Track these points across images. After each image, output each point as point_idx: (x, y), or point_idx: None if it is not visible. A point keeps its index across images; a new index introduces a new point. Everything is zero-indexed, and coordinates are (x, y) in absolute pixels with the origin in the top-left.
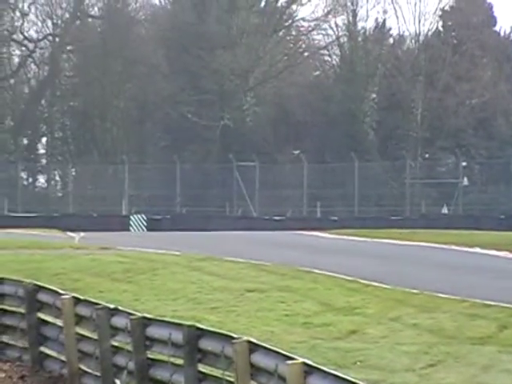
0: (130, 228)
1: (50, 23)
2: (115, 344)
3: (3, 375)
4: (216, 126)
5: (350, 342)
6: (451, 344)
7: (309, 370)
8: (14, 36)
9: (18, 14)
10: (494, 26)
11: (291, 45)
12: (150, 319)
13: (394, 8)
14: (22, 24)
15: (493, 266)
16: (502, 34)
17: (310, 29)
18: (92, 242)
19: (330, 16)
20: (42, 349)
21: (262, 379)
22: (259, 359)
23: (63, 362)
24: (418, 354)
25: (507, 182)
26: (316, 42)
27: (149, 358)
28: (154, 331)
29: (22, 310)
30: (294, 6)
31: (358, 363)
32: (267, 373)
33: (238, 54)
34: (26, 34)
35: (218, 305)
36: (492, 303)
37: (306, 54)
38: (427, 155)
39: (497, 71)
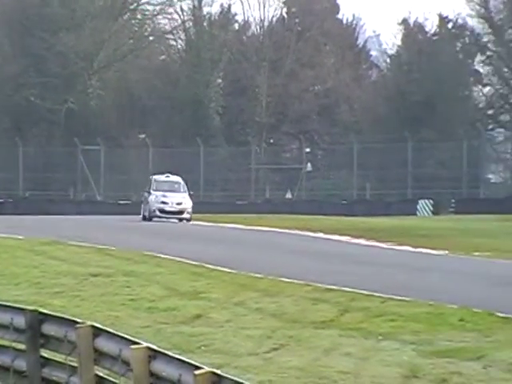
0: None
1: None
2: None
3: None
4: (60, 110)
5: (195, 326)
6: (294, 328)
7: (153, 354)
8: None
9: None
10: (337, 13)
11: (136, 28)
12: None
13: None
14: None
15: (335, 251)
16: (344, 21)
17: (155, 13)
18: None
19: (175, 0)
20: None
21: (106, 364)
22: (103, 344)
23: None
24: (262, 338)
25: (349, 168)
26: (161, 26)
27: None
28: None
29: None
30: None
31: (203, 347)
32: (111, 358)
33: (82, 36)
34: None
35: (61, 289)
36: (334, 287)
37: (151, 38)
38: (272, 140)
39: (340, 58)
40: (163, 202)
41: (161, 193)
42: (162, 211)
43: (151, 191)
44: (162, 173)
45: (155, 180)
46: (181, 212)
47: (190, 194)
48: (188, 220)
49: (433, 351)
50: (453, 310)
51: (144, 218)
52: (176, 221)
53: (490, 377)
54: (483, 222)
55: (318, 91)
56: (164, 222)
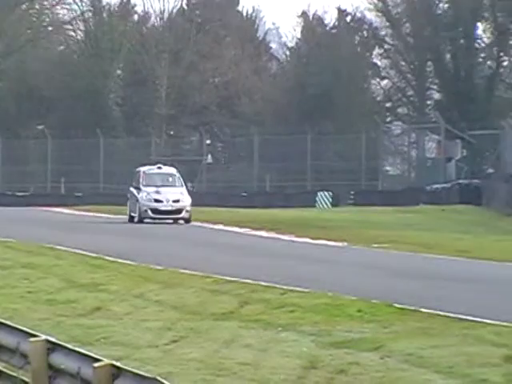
0: None
1: None
2: None
3: None
4: None
5: (94, 318)
6: (194, 320)
7: (52, 347)
8: None
9: None
10: (237, 5)
11: (34, 19)
12: None
13: None
14: None
15: (236, 243)
16: (244, 14)
17: (53, 3)
18: None
19: None
20: None
21: (4, 357)
22: (1, 337)
23: None
24: (162, 330)
25: (250, 160)
26: (60, 16)
27: None
28: None
29: None
30: None
31: (102, 340)
32: (9, 350)
33: None
34: None
35: None
36: (234, 279)
37: (50, 28)
38: (172, 132)
39: (240, 51)
40: (157, 200)
41: (153, 188)
42: (156, 211)
43: (141, 187)
44: (151, 163)
45: (144, 173)
46: (179, 211)
47: (187, 189)
48: (187, 220)
49: (331, 342)
50: (351, 301)
51: (131, 219)
52: (171, 221)
53: (388, 367)
54: (381, 213)
55: (218, 83)
56: (156, 223)
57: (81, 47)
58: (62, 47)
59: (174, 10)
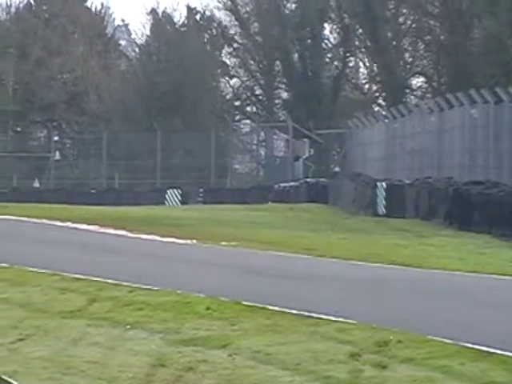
0: None
1: None
2: None
3: None
4: None
5: None
6: (41, 318)
7: None
8: None
9: None
10: (86, 1)
11: None
12: None
13: None
14: None
15: (84, 240)
16: (93, 10)
17: None
18: None
19: None
20: None
21: None
22: None
23: None
24: (7, 328)
25: (98, 157)
26: None
27: None
28: None
29: None
30: None
31: None
32: None
33: None
34: None
35: None
36: (81, 277)
37: None
38: (19, 128)
39: (88, 47)
40: None
41: None
42: None
43: None
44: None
45: None
46: None
47: None
48: None
49: (180, 340)
50: (200, 298)
51: None
52: None
53: (235, 364)
54: (230, 211)
55: (67, 79)
56: None
57: None
58: None
59: (21, 5)
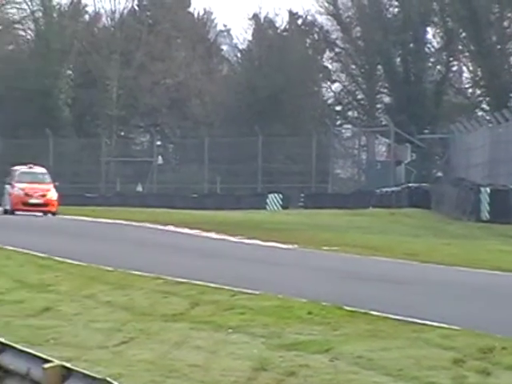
0: None
1: None
2: None
3: None
4: None
5: (43, 319)
6: (144, 321)
7: (1, 347)
8: None
9: None
10: (188, 7)
11: None
12: None
13: None
14: None
15: (186, 244)
16: (195, 15)
17: (3, 2)
18: None
19: None
20: None
21: None
22: None
23: None
24: (112, 331)
25: (200, 162)
26: (10, 15)
27: None
28: None
29: None
30: None
31: (52, 341)
32: None
33: None
34: None
35: None
36: (184, 280)
37: None
38: (122, 133)
39: (190, 52)
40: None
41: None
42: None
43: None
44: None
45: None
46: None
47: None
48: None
49: (282, 344)
50: (301, 303)
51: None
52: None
53: (337, 369)
54: (331, 216)
55: (169, 84)
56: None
57: (30, 47)
58: (11, 47)
59: (125, 11)
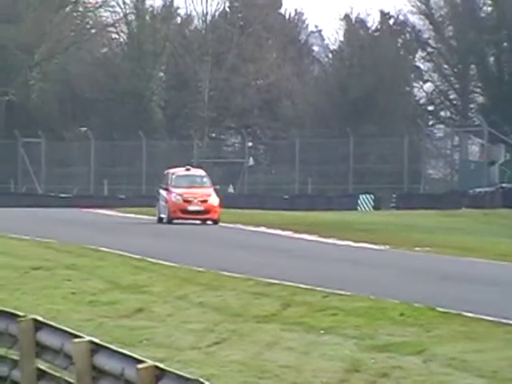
0: None
1: None
2: None
3: None
4: (0, 102)
5: (137, 320)
6: (236, 322)
7: (95, 348)
8: None
9: None
10: (280, 8)
11: (78, 21)
12: None
13: None
14: None
15: (278, 245)
16: (287, 16)
17: (97, 5)
18: None
19: None
20: None
21: (48, 357)
22: (45, 337)
23: None
24: (204, 331)
25: (291, 163)
26: (103, 18)
27: None
28: None
29: None
30: None
31: (145, 341)
32: (53, 351)
33: (23, 28)
34: None
35: (2, 282)
36: (276, 282)
37: (93, 30)
38: (214, 134)
39: (281, 53)
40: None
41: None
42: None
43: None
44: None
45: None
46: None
47: (215, 190)
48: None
49: (374, 345)
50: (394, 304)
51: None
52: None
53: (430, 371)
54: (423, 217)
55: (260, 86)
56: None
57: (123, 50)
58: (105, 49)
59: (217, 13)
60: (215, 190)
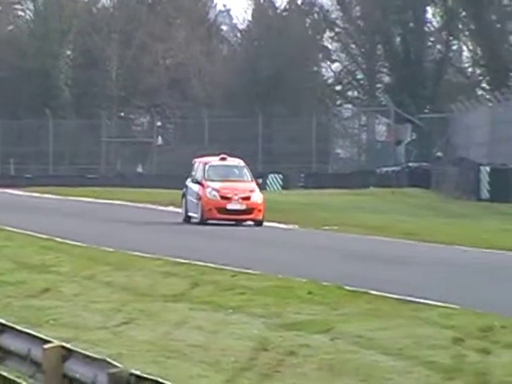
0: None
1: None
2: None
3: None
4: None
5: (44, 300)
6: (144, 301)
7: (1, 328)
8: None
9: None
10: None
11: None
12: None
13: None
14: None
15: (187, 225)
16: None
17: None
18: None
19: None
20: None
21: None
22: None
23: None
24: (112, 311)
25: (200, 142)
26: None
27: None
28: None
29: None
30: None
31: (52, 321)
32: None
33: None
34: None
35: None
36: (185, 261)
37: None
38: (122, 114)
39: (190, 32)
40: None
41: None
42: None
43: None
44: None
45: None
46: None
47: (258, 184)
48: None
49: (282, 324)
50: (301, 283)
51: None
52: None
53: (337, 349)
54: (331, 196)
55: (169, 65)
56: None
57: (30, 27)
58: (10, 27)
59: None
60: (258, 184)
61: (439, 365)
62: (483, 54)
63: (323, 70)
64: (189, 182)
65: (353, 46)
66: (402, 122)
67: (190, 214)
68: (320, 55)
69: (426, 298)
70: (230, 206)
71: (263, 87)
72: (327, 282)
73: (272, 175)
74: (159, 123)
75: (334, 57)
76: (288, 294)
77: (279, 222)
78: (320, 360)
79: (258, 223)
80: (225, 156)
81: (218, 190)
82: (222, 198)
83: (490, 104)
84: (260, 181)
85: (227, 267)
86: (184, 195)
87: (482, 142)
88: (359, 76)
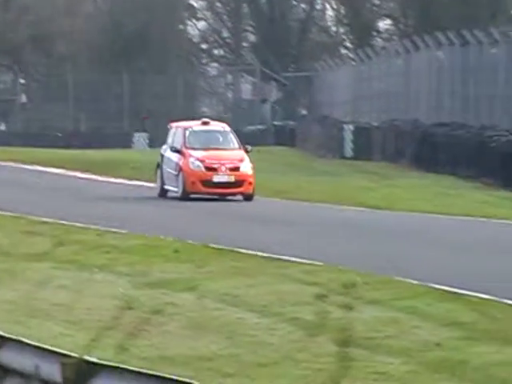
0: None
1: None
2: None
3: None
4: None
5: None
6: (7, 261)
7: None
8: None
9: None
10: None
11: None
12: None
13: None
14: None
15: (51, 184)
16: None
17: None
18: None
19: None
20: None
21: None
22: None
23: None
24: None
25: (64, 100)
26: None
27: None
28: None
29: None
30: None
31: None
32: None
33: None
34: None
35: None
36: (49, 220)
37: None
38: None
39: None
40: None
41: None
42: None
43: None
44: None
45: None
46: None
47: (247, 152)
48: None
49: (148, 283)
50: (168, 242)
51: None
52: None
53: (203, 306)
54: None
55: (31, 21)
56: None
57: None
58: None
59: None
60: (246, 151)
61: (303, 321)
62: (346, 13)
63: (189, 28)
64: (164, 151)
65: (218, 4)
66: (268, 81)
67: (167, 187)
68: (186, 13)
69: (291, 256)
70: (216, 179)
71: (128, 44)
72: (194, 241)
73: (138, 134)
74: (22, 81)
75: (199, 15)
76: (154, 252)
77: (144, 181)
78: (186, 318)
79: (248, 197)
80: (207, 120)
81: (202, 160)
82: (207, 169)
83: (353, 63)
84: (249, 147)
85: (92, 226)
86: (159, 165)
87: (345, 100)
88: (225, 35)
